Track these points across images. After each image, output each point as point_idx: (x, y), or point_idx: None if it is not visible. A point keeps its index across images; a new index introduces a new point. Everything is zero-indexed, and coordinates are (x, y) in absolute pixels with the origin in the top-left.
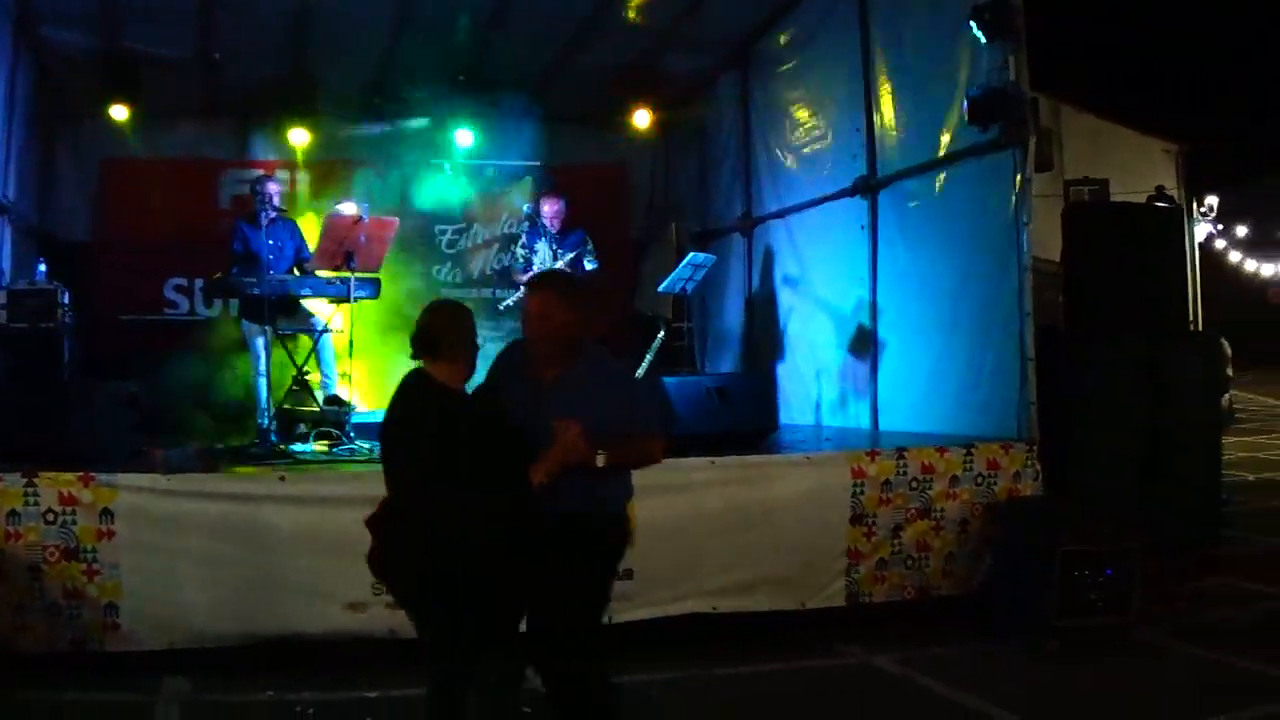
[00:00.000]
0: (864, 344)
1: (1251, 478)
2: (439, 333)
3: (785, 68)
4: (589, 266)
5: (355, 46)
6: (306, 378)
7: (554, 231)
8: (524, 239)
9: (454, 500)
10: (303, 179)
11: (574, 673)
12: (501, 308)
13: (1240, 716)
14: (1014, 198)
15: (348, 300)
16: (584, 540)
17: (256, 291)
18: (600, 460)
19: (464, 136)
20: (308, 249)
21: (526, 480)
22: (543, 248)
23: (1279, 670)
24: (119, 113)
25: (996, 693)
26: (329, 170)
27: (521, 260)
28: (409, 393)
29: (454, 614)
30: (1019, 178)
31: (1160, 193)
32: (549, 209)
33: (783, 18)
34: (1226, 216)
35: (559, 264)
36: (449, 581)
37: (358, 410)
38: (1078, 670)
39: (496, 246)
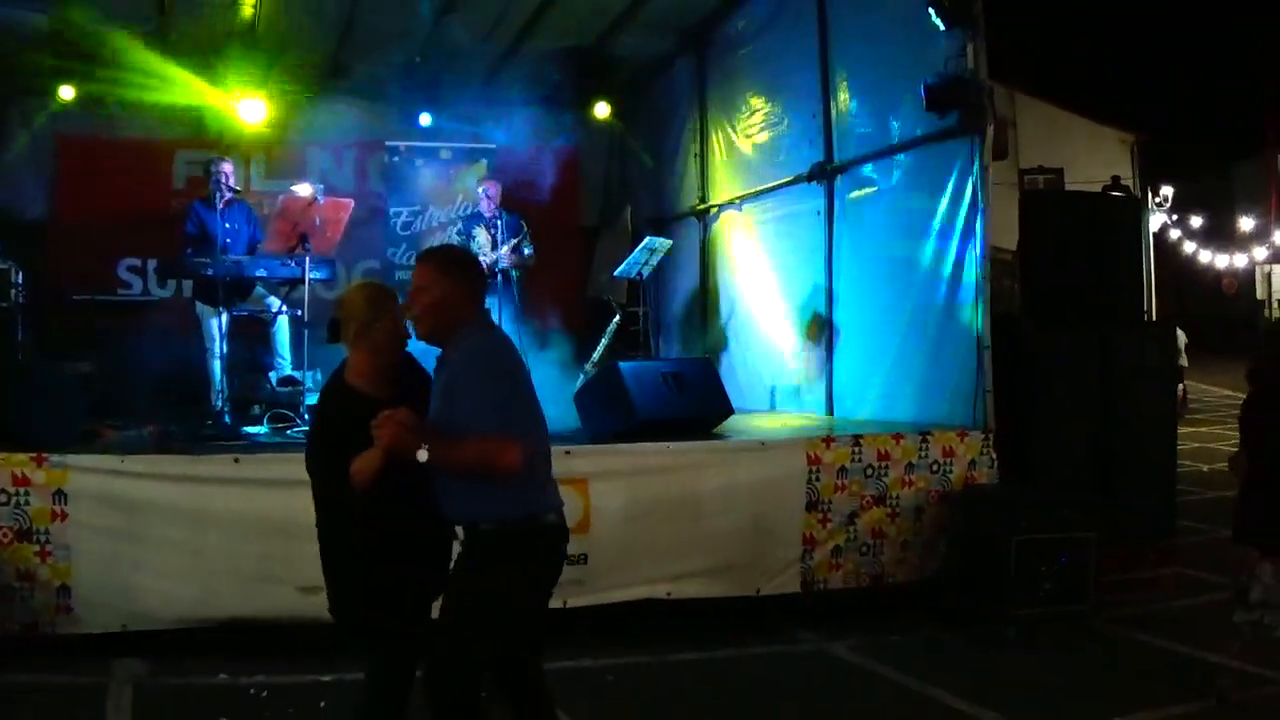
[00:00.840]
0: (819, 330)
1: (1205, 468)
2: (340, 317)
3: (742, 53)
4: (526, 252)
5: (310, 26)
6: (260, 359)
7: (489, 215)
8: (460, 224)
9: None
10: (257, 160)
11: (432, 678)
12: None
13: (1194, 706)
14: (971, 185)
15: (302, 282)
16: (469, 551)
17: (210, 273)
18: (422, 455)
19: (420, 118)
20: (261, 231)
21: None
22: (480, 232)
23: (1234, 661)
24: (73, 91)
25: (949, 679)
26: (284, 151)
27: (459, 244)
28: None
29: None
30: (976, 165)
31: (1116, 182)
32: (487, 192)
33: (740, 2)
34: (1181, 207)
35: (502, 250)
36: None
37: (311, 392)
38: (1032, 658)
39: (451, 229)
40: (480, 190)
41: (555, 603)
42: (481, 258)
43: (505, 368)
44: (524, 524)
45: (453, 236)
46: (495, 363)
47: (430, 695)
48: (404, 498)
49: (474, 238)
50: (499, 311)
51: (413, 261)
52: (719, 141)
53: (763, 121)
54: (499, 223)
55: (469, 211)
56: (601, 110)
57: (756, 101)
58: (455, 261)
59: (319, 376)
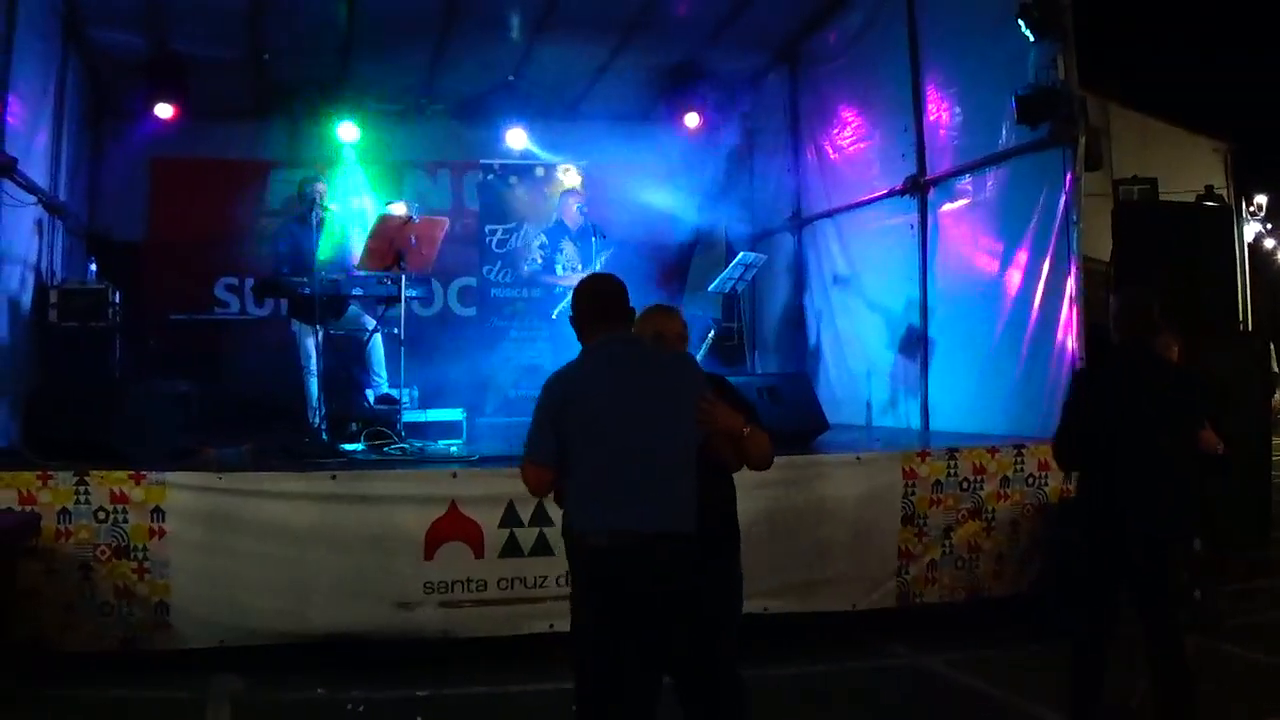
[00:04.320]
0: (914, 344)
1: None
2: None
3: (833, 65)
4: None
5: (405, 47)
6: (356, 377)
7: (575, 229)
8: (545, 238)
9: None
10: (352, 179)
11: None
12: (554, 316)
13: None
14: (1063, 196)
15: (398, 300)
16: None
17: (307, 291)
18: (747, 430)
19: (514, 136)
20: (354, 251)
21: None
22: (567, 245)
23: None
24: (167, 113)
25: (1048, 694)
26: (379, 170)
27: (540, 261)
28: None
29: None
30: (1068, 176)
31: (1209, 192)
32: (580, 208)
33: (831, 15)
34: (1276, 215)
35: (596, 264)
36: None
37: (408, 409)
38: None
39: (534, 243)
40: (569, 204)
41: None
42: (571, 274)
43: (546, 398)
44: (573, 540)
45: (535, 251)
46: (544, 390)
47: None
48: None
49: (560, 250)
50: None
51: (509, 279)
52: (812, 155)
53: (855, 134)
54: (591, 238)
55: (553, 224)
56: (694, 124)
57: (848, 114)
58: (579, 290)
59: (415, 394)
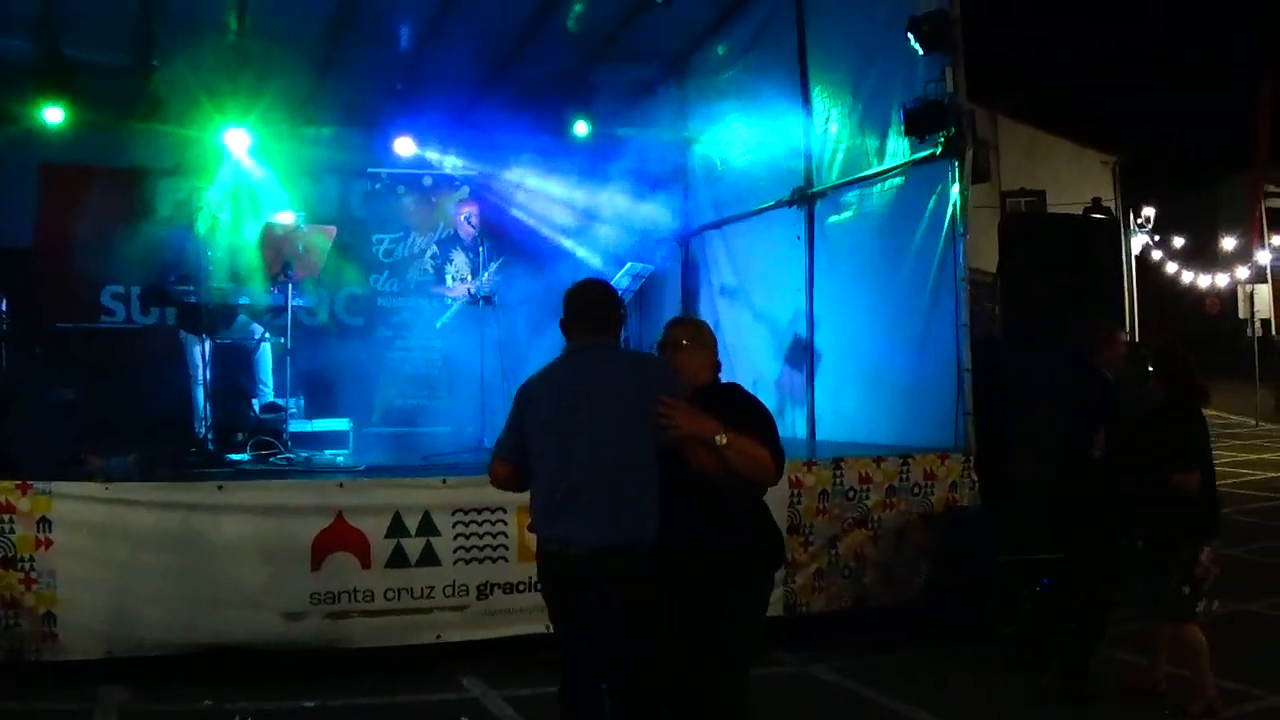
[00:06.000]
0: (800, 354)
1: None
2: None
3: (723, 78)
4: (497, 278)
5: (294, 55)
6: (243, 386)
7: (469, 240)
8: (436, 249)
9: None
10: (240, 188)
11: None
12: (438, 325)
13: None
14: (950, 209)
15: (285, 309)
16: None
17: (194, 300)
18: (722, 438)
19: (402, 145)
20: (245, 259)
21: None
22: (458, 256)
23: (1220, 679)
24: (57, 118)
25: (931, 700)
26: (267, 179)
27: (431, 271)
28: None
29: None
30: (956, 189)
31: (1097, 204)
32: (469, 218)
33: (721, 28)
34: (1163, 228)
35: (485, 276)
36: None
37: (295, 419)
38: (1014, 677)
39: (426, 253)
40: (461, 216)
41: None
42: (460, 284)
43: (514, 401)
44: (539, 544)
45: (426, 261)
46: (516, 393)
47: None
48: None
49: (450, 260)
50: (480, 337)
51: (396, 288)
52: (701, 165)
53: (744, 146)
54: (480, 248)
55: (445, 235)
56: (584, 134)
57: (738, 126)
58: (567, 295)
59: (302, 403)
